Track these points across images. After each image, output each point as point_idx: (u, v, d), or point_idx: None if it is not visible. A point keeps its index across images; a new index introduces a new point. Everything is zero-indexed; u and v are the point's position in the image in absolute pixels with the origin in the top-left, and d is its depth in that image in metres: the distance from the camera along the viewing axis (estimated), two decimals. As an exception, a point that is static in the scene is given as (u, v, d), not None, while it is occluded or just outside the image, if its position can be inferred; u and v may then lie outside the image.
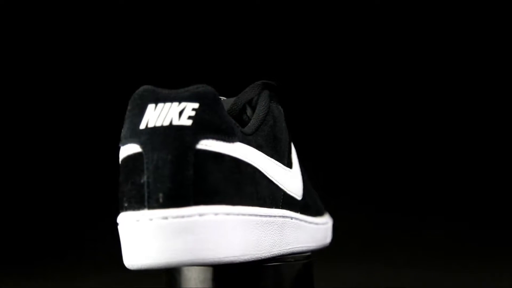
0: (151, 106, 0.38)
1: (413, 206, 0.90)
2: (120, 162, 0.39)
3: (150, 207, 0.36)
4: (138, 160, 0.37)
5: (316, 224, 0.51)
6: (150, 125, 0.37)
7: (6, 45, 0.94)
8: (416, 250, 0.80)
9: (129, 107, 0.38)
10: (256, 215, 0.40)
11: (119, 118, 1.00)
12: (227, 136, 0.38)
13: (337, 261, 0.70)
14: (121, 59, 0.96)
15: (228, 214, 0.38)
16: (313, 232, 0.50)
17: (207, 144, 0.38)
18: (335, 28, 0.96)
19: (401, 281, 0.63)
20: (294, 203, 0.46)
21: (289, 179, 0.45)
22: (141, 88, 0.38)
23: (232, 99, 0.45)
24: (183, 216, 0.36)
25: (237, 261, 0.38)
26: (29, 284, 0.68)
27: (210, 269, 0.43)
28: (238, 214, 0.38)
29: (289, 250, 0.44)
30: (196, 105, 0.38)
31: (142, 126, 0.37)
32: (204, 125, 0.38)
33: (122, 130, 0.39)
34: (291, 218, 0.45)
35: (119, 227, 0.39)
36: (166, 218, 0.36)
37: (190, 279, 0.44)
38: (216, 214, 0.37)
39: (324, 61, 0.95)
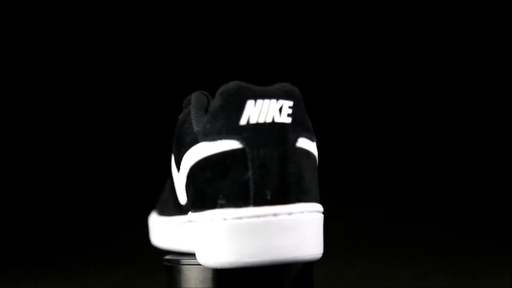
0: (250, 102, 0.37)
1: (413, 206, 0.90)
2: (205, 157, 0.38)
3: (256, 204, 0.36)
4: (239, 156, 0.37)
5: None
6: (252, 121, 0.37)
7: (6, 45, 0.94)
8: (416, 250, 0.80)
9: (221, 102, 0.37)
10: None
11: (115, 119, 1.00)
12: (312, 134, 0.39)
13: (337, 261, 0.70)
14: (120, 59, 0.95)
15: (317, 211, 0.39)
16: None
17: (301, 142, 0.38)
18: (334, 28, 0.96)
19: (401, 281, 0.63)
20: None
21: None
22: (234, 84, 0.38)
23: None
24: (290, 213, 0.37)
25: (319, 258, 0.39)
26: (29, 284, 0.68)
27: (210, 269, 0.43)
28: (320, 212, 0.39)
29: None
30: (291, 103, 0.38)
31: (242, 122, 0.37)
32: (299, 123, 0.38)
33: (209, 125, 0.38)
34: None
35: (209, 224, 0.37)
36: (275, 215, 0.36)
37: (190, 279, 0.44)
38: (310, 211, 0.38)
39: (325, 61, 0.95)
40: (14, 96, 0.94)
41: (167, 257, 0.46)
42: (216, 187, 0.37)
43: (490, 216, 0.88)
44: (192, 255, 0.45)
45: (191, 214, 0.40)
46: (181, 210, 0.46)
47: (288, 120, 0.37)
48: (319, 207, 0.39)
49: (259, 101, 0.37)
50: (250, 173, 0.36)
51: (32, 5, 0.91)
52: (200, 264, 0.43)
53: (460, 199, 0.89)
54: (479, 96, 0.94)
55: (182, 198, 0.45)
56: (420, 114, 0.94)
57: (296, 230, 0.37)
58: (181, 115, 0.44)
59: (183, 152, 0.40)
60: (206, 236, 0.38)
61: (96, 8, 0.93)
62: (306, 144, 0.39)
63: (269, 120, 0.37)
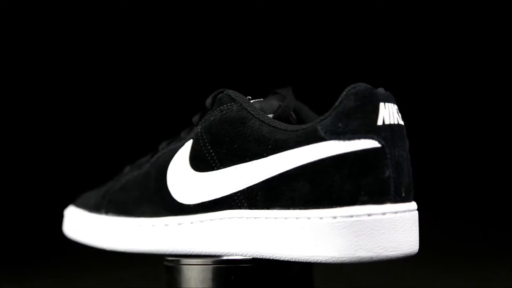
0: (382, 105, 0.39)
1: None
2: (340, 155, 0.39)
3: (394, 200, 0.39)
4: (379, 154, 0.38)
5: None
6: (386, 122, 0.39)
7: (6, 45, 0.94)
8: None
9: (356, 103, 0.39)
10: None
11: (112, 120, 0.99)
12: None
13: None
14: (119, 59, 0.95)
15: None
16: None
17: None
18: (334, 29, 0.95)
19: (401, 281, 0.63)
20: None
21: None
22: (365, 86, 0.39)
23: (268, 100, 0.46)
24: (412, 210, 0.40)
25: None
26: (29, 284, 0.68)
27: (210, 268, 0.43)
28: None
29: None
30: (396, 107, 0.41)
31: (379, 122, 0.39)
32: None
33: (341, 124, 0.39)
34: None
35: (346, 220, 0.38)
36: (405, 211, 0.39)
37: (190, 279, 0.44)
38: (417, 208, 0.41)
39: (325, 62, 0.95)
40: (14, 97, 0.93)
41: (168, 257, 0.46)
42: (358, 184, 0.38)
43: (491, 215, 0.88)
44: (188, 255, 0.45)
45: (296, 211, 0.40)
46: (180, 211, 0.46)
47: (402, 122, 0.40)
48: None
49: (387, 104, 0.40)
50: (389, 171, 0.38)
51: (35, 5, 0.91)
52: (199, 264, 0.43)
53: (463, 199, 0.89)
54: (484, 99, 0.93)
55: (191, 198, 0.45)
56: (425, 113, 0.94)
57: (416, 225, 0.40)
58: (224, 112, 0.44)
59: (273, 150, 0.41)
60: (341, 231, 0.39)
61: (92, 9, 0.93)
62: None
63: (395, 122, 0.40)
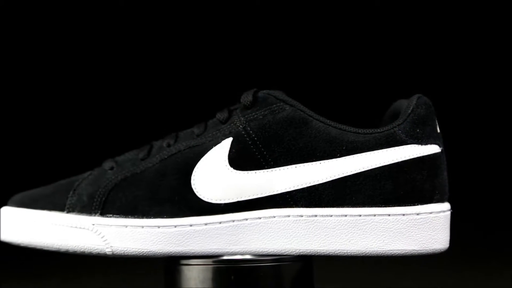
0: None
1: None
2: (419, 157, 0.44)
3: (448, 199, 0.45)
4: (441, 158, 0.45)
5: None
6: (439, 130, 0.45)
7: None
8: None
9: (426, 112, 0.44)
10: None
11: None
12: None
13: (337, 261, 0.70)
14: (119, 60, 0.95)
15: None
16: None
17: None
18: (334, 30, 0.95)
19: (401, 281, 0.63)
20: None
21: None
22: (426, 98, 0.45)
23: None
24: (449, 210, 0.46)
25: None
26: (29, 284, 0.68)
27: (210, 268, 0.43)
28: None
29: None
30: None
31: (438, 130, 0.45)
32: None
33: (419, 130, 0.44)
34: None
35: (425, 216, 0.44)
36: (444, 211, 0.45)
37: (190, 279, 0.44)
38: None
39: (326, 62, 0.95)
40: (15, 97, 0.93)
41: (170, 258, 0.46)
42: (434, 184, 0.44)
43: (492, 215, 0.88)
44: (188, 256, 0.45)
45: (373, 209, 0.43)
46: (207, 210, 0.44)
47: None
48: None
49: None
50: (445, 173, 0.45)
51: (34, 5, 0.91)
52: (199, 264, 0.43)
53: (463, 199, 0.89)
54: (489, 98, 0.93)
55: (223, 197, 0.44)
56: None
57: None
58: (277, 112, 0.45)
59: (348, 151, 0.44)
60: (422, 226, 0.44)
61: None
62: None
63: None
